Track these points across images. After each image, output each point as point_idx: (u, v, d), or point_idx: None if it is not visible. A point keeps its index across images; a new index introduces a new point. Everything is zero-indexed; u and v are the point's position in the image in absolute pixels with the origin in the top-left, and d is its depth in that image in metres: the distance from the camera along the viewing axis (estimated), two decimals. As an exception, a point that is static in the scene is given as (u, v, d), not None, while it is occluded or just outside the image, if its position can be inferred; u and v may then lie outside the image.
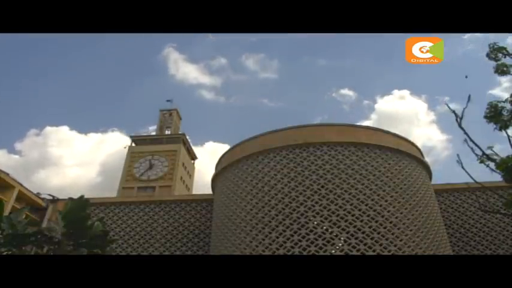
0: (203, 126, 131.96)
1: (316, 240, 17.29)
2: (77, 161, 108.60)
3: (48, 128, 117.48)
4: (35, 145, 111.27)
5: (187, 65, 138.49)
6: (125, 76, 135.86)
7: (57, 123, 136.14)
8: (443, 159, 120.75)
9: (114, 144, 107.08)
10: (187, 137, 43.92)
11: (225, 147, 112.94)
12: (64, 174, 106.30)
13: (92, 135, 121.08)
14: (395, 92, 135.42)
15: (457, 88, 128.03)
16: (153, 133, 46.48)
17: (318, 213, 17.98)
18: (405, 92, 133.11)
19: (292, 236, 17.66)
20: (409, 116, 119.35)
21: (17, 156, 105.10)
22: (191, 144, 45.63)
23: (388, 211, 18.31)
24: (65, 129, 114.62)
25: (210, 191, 25.82)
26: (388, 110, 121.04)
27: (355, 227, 17.45)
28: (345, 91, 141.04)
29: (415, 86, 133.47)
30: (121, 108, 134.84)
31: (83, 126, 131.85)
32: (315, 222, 17.98)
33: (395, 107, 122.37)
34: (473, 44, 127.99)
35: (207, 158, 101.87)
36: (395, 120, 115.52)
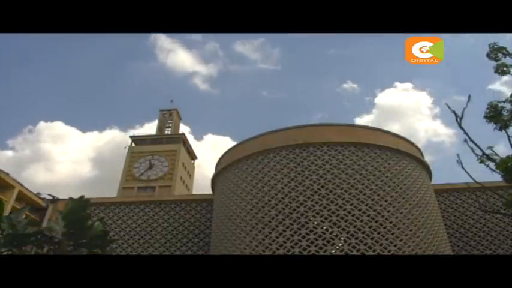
0: (201, 119, 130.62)
1: (316, 240, 17.29)
2: (70, 156, 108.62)
3: (42, 124, 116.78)
4: (28, 141, 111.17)
5: (178, 51, 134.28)
6: (115, 66, 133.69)
7: (51, 119, 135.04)
8: (452, 154, 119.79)
9: (108, 139, 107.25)
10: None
11: (225, 140, 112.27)
12: (57, 170, 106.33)
13: (84, 129, 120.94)
14: (399, 84, 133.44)
15: (462, 81, 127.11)
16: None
17: (318, 213, 17.98)
18: (408, 85, 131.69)
19: (292, 236, 17.66)
20: (413, 109, 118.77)
21: (9, 153, 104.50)
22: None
23: (388, 211, 18.31)
24: (59, 124, 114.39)
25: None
26: (392, 104, 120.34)
27: (355, 227, 17.45)
28: (348, 84, 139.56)
29: (418, 79, 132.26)
30: (113, 102, 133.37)
31: (77, 121, 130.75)
32: (315, 222, 17.98)
33: (399, 100, 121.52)
34: (474, 38, 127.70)
35: (207, 151, 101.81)
36: (398, 114, 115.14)
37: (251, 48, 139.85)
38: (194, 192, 43.99)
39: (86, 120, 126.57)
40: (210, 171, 25.54)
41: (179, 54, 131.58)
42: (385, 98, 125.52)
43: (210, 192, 25.75)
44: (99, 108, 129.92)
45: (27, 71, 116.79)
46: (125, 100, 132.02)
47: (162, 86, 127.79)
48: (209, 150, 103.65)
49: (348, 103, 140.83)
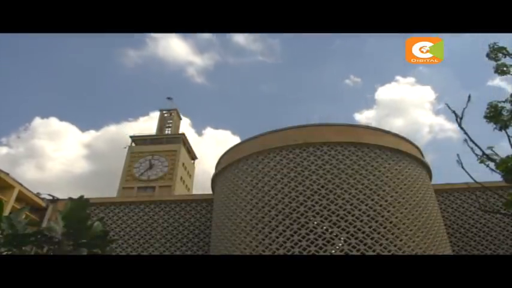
0: (200, 112, 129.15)
1: (316, 240, 17.29)
2: (64, 151, 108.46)
3: (37, 120, 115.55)
4: (23, 138, 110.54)
5: (173, 40, 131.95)
6: (107, 58, 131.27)
7: (46, 115, 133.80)
8: (458, 151, 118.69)
9: (101, 133, 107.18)
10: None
11: (226, 134, 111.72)
12: (52, 165, 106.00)
13: (79, 124, 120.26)
14: (401, 79, 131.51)
15: (467, 76, 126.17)
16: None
17: (318, 213, 17.98)
18: (411, 80, 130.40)
19: (292, 236, 17.66)
20: (416, 104, 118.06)
21: (4, 149, 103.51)
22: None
23: (388, 211, 18.31)
24: (53, 121, 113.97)
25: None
26: (395, 98, 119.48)
27: (355, 227, 17.45)
28: (351, 79, 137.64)
29: (421, 74, 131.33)
30: (107, 95, 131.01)
31: (71, 116, 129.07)
32: (315, 222, 17.98)
33: (402, 95, 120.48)
34: (473, 37, 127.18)
35: (208, 145, 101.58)
36: (401, 109, 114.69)
37: (250, 38, 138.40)
38: (194, 189, 44.14)
39: (80, 115, 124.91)
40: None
41: (173, 43, 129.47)
42: (387, 92, 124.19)
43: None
44: (93, 102, 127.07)
45: (19, 66, 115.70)
46: (118, 93, 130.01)
47: (156, 79, 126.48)
48: (210, 145, 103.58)
49: (349, 97, 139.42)
